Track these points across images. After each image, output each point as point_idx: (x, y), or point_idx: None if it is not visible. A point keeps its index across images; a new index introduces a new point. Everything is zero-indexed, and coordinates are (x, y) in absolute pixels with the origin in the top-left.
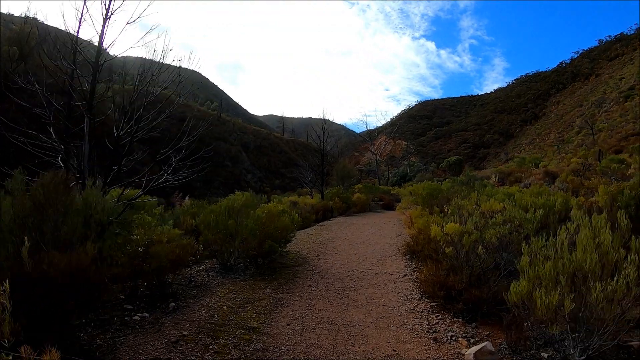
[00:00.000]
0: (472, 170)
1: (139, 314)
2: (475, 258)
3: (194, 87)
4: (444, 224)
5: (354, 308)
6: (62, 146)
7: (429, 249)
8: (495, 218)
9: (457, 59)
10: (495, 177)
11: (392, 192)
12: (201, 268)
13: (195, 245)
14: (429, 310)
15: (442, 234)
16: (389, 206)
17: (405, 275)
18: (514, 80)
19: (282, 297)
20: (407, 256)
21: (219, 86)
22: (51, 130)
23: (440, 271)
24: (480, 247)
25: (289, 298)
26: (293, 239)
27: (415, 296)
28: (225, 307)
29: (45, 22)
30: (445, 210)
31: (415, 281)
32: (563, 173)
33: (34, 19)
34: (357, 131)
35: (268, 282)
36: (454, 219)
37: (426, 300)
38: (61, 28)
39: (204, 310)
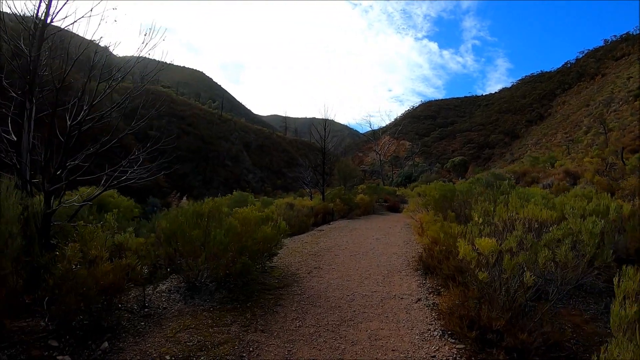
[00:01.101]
0: (479, 170)
1: (61, 357)
2: (518, 286)
3: (157, 68)
4: (471, 235)
5: (352, 356)
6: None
7: (450, 266)
8: (551, 231)
9: (460, 59)
10: (511, 177)
11: (397, 193)
12: (164, 287)
13: (139, 269)
14: (455, 359)
15: (474, 254)
16: (395, 208)
17: (419, 299)
18: (519, 80)
19: (252, 340)
20: (419, 271)
21: (222, 86)
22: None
23: (469, 301)
24: (528, 274)
25: (262, 341)
26: (281, 250)
27: (435, 333)
28: (168, 358)
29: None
30: (476, 219)
31: (432, 309)
32: (587, 173)
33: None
34: (360, 131)
35: (239, 313)
36: (483, 230)
37: (450, 340)
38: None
39: None
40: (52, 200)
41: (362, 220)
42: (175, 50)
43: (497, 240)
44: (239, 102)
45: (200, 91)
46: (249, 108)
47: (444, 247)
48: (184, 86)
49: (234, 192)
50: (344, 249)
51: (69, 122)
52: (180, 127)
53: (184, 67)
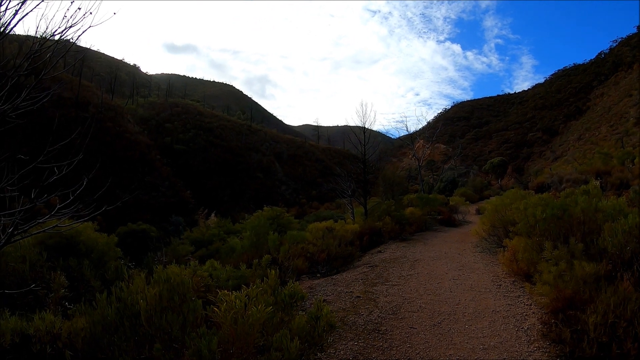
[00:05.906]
0: (537, 171)
1: None
2: None
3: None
4: None
5: None
6: None
7: None
8: None
9: (485, 59)
10: (597, 180)
11: (450, 203)
12: None
13: None
14: None
15: None
16: (450, 222)
17: None
18: (552, 75)
19: None
20: None
21: (252, 98)
22: None
23: None
24: None
25: None
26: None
27: None
28: None
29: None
30: None
31: None
32: None
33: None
34: (393, 137)
35: None
36: None
37: None
38: None
39: None
40: None
41: (419, 243)
42: (201, 67)
43: None
44: (269, 113)
45: (231, 104)
46: (280, 119)
47: (603, 317)
48: (215, 100)
49: (265, 208)
50: (418, 310)
51: None
52: (208, 140)
53: (213, 81)
